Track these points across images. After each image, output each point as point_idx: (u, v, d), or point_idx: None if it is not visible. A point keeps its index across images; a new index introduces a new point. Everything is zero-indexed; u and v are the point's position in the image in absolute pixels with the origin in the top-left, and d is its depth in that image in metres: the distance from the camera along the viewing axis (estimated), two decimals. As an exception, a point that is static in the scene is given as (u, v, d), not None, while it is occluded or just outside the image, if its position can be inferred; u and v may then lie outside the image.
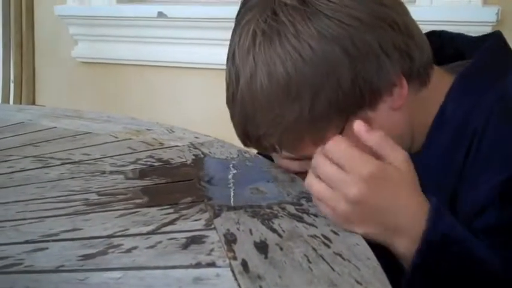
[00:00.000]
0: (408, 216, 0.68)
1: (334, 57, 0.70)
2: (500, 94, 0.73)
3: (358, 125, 0.69)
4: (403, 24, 0.74)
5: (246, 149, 0.93)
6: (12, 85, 2.33)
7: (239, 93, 0.74)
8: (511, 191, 0.70)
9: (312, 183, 0.70)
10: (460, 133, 0.74)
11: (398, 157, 0.69)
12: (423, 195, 0.69)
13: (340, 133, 0.74)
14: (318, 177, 0.69)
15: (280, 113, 0.72)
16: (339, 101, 0.71)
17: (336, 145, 0.68)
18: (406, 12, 0.77)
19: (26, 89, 2.36)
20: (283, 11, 0.71)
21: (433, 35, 0.88)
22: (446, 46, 0.87)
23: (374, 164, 0.67)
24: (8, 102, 2.31)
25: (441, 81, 0.80)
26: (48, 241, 0.66)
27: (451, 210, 0.73)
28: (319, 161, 0.69)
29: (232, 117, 0.77)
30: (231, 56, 0.75)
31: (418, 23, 1.82)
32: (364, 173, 0.66)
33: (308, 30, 0.70)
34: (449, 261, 0.68)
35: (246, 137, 0.77)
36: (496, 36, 0.82)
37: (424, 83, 0.78)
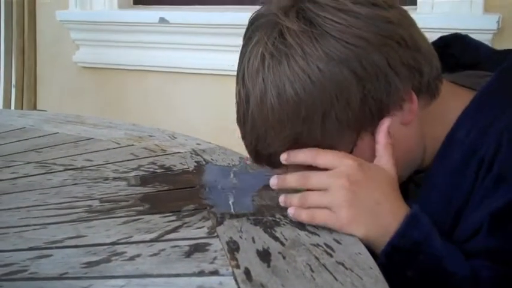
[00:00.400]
0: (395, 215, 0.72)
1: (342, 79, 0.71)
2: (509, 122, 0.73)
3: (386, 123, 0.74)
4: (410, 39, 0.74)
5: (247, 156, 0.93)
6: (13, 89, 2.34)
7: (250, 114, 0.74)
8: (504, 216, 0.71)
9: (305, 197, 0.73)
10: (469, 157, 0.74)
11: (388, 165, 0.75)
12: (404, 202, 0.74)
13: (353, 148, 0.75)
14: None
15: (291, 132, 0.73)
16: (349, 120, 0.72)
17: (318, 154, 0.73)
18: (412, 25, 0.77)
19: (28, 94, 2.36)
20: (290, 33, 0.71)
21: (456, 40, 0.88)
22: (469, 55, 0.87)
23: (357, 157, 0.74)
24: (10, 107, 2.32)
25: (453, 94, 0.80)
26: (52, 248, 0.66)
27: (454, 228, 0.74)
28: (301, 175, 0.74)
29: (243, 137, 0.78)
30: (241, 77, 0.75)
31: (419, 30, 1.81)
32: (353, 162, 0.73)
33: (316, 52, 0.70)
34: (416, 269, 0.70)
35: (257, 155, 0.78)
36: None
37: (433, 96, 0.78)
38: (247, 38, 0.76)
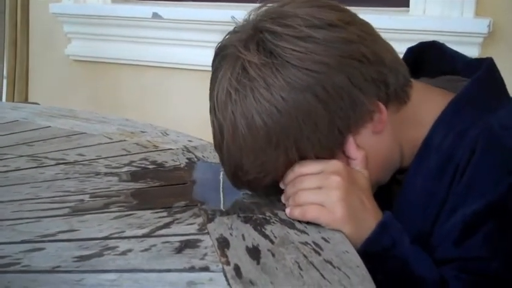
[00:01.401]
0: (376, 218, 0.74)
1: (307, 105, 0.72)
2: (485, 128, 0.75)
3: (351, 142, 0.76)
4: (372, 54, 0.75)
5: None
6: (5, 81, 2.33)
7: (225, 144, 0.76)
8: (472, 223, 0.73)
9: (299, 195, 0.74)
10: (445, 164, 0.76)
11: (363, 171, 0.77)
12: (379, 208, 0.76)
13: None
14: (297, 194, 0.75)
15: (267, 159, 0.75)
16: (321, 141, 0.74)
17: (303, 165, 0.75)
18: (374, 39, 0.78)
19: (19, 86, 2.36)
20: (251, 66, 0.72)
21: (433, 48, 0.90)
22: (446, 63, 0.89)
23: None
24: (1, 99, 2.31)
25: (428, 96, 0.82)
26: (44, 241, 0.67)
27: (431, 233, 0.76)
28: (295, 183, 0.76)
29: (222, 163, 0.79)
30: (212, 108, 0.77)
31: (411, 32, 1.84)
32: (339, 162, 0.75)
33: (278, 82, 0.72)
34: (386, 274, 0.71)
35: (236, 180, 0.79)
36: (488, 65, 0.83)
37: (403, 102, 0.80)
38: (215, 68, 0.78)
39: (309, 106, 0.72)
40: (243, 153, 0.75)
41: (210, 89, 0.78)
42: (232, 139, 0.74)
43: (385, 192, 0.82)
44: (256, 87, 0.72)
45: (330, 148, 0.76)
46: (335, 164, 0.75)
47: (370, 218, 0.74)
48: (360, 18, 0.78)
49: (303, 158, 0.75)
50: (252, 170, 0.76)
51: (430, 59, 0.88)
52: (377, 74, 0.75)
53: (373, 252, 0.72)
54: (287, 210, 0.74)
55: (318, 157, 0.75)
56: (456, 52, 0.91)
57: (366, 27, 0.78)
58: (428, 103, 0.81)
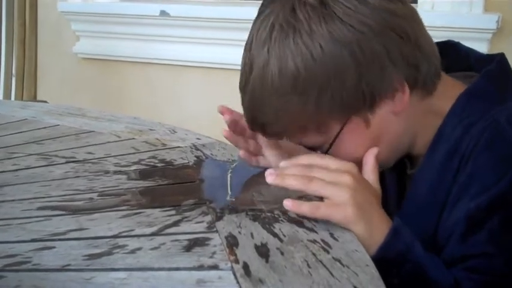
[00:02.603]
0: (386, 223, 0.74)
1: (341, 61, 0.73)
2: (491, 121, 0.75)
3: (375, 149, 0.78)
4: (414, 35, 0.76)
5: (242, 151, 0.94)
6: (13, 80, 2.34)
7: (251, 82, 0.77)
8: (476, 219, 0.73)
9: (315, 183, 0.73)
10: (451, 155, 0.77)
11: (374, 183, 0.78)
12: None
13: (342, 128, 0.78)
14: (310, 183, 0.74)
15: (287, 104, 0.76)
16: (343, 101, 0.75)
17: (322, 157, 0.77)
18: (418, 23, 0.79)
19: (28, 84, 2.37)
20: (301, 9, 0.74)
21: (448, 46, 0.91)
22: (461, 60, 0.90)
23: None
24: (10, 97, 2.32)
25: (452, 90, 0.82)
26: (54, 240, 0.67)
27: (438, 225, 0.76)
28: (305, 167, 0.76)
29: (243, 102, 0.81)
30: (249, 45, 0.78)
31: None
32: (351, 164, 0.76)
33: (321, 30, 0.73)
34: (402, 278, 0.71)
35: (253, 122, 0.81)
36: (499, 60, 0.84)
37: (429, 92, 0.81)
38: (263, 6, 0.79)
39: (343, 62, 0.73)
40: (266, 94, 0.76)
41: (251, 27, 0.79)
42: (259, 77, 0.76)
43: (399, 189, 0.82)
44: (300, 29, 0.74)
45: (347, 111, 0.77)
46: (349, 165, 0.75)
47: (381, 222, 0.73)
48: (411, 5, 0.80)
49: (316, 113, 0.76)
50: (269, 112, 0.77)
51: (446, 57, 0.89)
52: (412, 57, 0.77)
53: (389, 258, 0.71)
54: (288, 203, 0.72)
55: (331, 117, 0.76)
56: (470, 49, 0.91)
57: (415, 12, 0.80)
58: (449, 94, 0.81)
